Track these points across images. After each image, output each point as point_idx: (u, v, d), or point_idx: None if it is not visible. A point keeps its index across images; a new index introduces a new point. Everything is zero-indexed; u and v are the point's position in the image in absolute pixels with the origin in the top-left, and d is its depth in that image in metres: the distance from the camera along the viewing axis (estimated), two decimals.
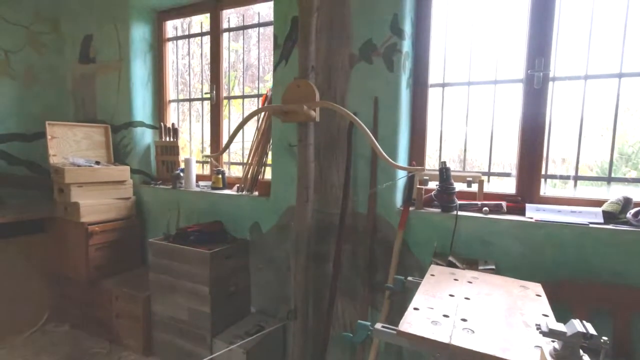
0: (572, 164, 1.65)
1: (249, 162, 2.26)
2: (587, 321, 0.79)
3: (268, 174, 2.29)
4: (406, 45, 1.72)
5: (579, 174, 1.65)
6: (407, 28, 1.71)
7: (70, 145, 2.53)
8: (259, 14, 2.37)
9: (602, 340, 0.75)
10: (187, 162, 2.46)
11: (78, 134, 2.57)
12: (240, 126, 1.76)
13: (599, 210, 1.49)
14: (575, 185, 1.65)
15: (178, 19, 2.71)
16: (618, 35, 1.52)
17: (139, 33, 2.65)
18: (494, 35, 1.74)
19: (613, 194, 1.54)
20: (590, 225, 1.43)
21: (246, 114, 2.56)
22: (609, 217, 1.46)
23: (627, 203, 1.46)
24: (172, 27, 2.77)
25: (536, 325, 0.83)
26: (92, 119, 2.84)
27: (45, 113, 2.82)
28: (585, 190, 1.68)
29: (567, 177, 1.66)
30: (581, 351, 0.77)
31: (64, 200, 2.33)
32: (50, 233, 2.52)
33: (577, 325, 0.78)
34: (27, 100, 2.77)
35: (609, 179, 1.61)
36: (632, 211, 1.42)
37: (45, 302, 2.56)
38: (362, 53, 1.77)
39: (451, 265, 1.54)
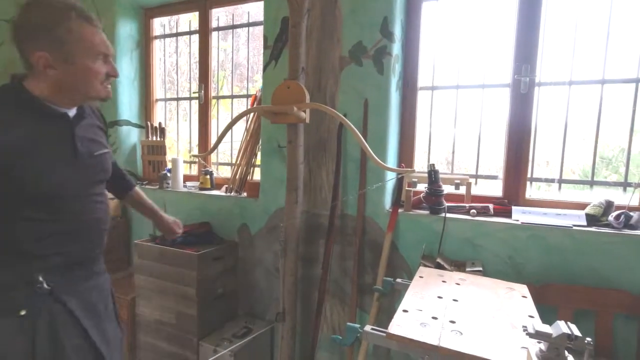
0: (557, 167, 1.68)
1: (238, 162, 2.24)
2: (571, 322, 0.81)
3: (257, 175, 2.27)
4: (396, 48, 1.73)
5: (563, 177, 1.69)
6: (397, 31, 1.73)
7: None
8: (248, 13, 2.35)
9: (586, 342, 0.77)
10: (174, 162, 2.42)
11: None
12: (229, 126, 1.75)
13: (582, 213, 1.52)
14: (559, 188, 1.69)
15: (166, 16, 2.67)
16: (601, 43, 1.56)
17: (126, 30, 2.60)
18: (482, 41, 1.77)
19: (595, 197, 1.59)
20: (574, 228, 1.46)
21: (235, 114, 2.54)
22: (591, 219, 1.50)
23: (608, 206, 1.50)
24: (159, 24, 2.73)
25: (523, 327, 0.84)
26: None
27: None
28: (569, 193, 1.72)
29: (552, 180, 1.70)
30: (566, 352, 0.78)
31: None
32: None
33: (563, 326, 0.79)
34: None
35: (592, 182, 1.65)
36: (614, 214, 1.46)
37: None
38: (352, 55, 1.78)
39: (439, 267, 1.55)
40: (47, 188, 0.94)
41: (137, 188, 1.41)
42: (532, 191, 1.73)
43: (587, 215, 1.51)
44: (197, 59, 2.51)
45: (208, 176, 2.36)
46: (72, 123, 1.00)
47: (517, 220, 1.56)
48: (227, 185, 2.30)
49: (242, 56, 2.72)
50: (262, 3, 2.03)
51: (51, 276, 0.97)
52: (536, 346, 0.82)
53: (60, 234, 0.99)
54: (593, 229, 1.45)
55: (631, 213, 1.45)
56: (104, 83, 1.00)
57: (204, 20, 2.45)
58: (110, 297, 1.19)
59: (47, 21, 0.89)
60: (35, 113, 0.94)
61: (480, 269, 1.53)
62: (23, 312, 0.93)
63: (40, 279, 0.95)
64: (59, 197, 0.97)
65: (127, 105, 2.65)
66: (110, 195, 1.20)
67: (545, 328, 0.80)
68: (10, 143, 0.88)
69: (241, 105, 2.54)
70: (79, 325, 1.01)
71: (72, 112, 1.01)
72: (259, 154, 2.18)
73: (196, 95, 2.52)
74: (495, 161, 1.86)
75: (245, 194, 2.19)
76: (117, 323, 1.20)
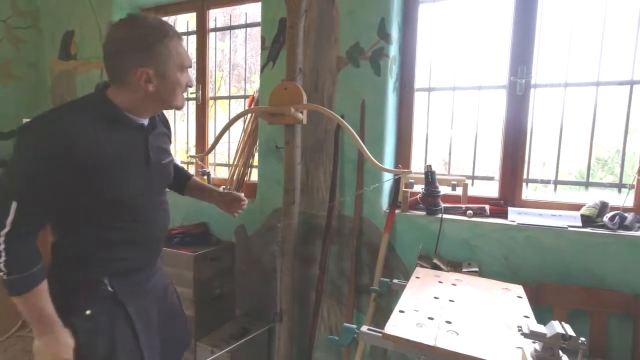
0: (553, 168, 1.70)
1: (235, 163, 2.24)
2: (566, 322, 0.82)
3: (254, 176, 2.27)
4: (393, 50, 1.74)
5: (559, 178, 1.70)
6: (394, 33, 1.73)
7: None
8: (246, 14, 2.35)
9: (580, 342, 0.77)
10: None
11: None
12: (227, 127, 1.75)
13: (578, 214, 1.54)
14: (555, 189, 1.70)
15: (163, 17, 2.66)
16: (596, 46, 1.57)
17: None
18: (479, 42, 1.78)
19: (590, 198, 1.60)
20: (569, 229, 1.47)
21: (232, 114, 2.53)
22: (586, 220, 1.51)
23: (603, 207, 1.51)
24: None
25: (518, 327, 0.85)
26: None
27: (22, 110, 2.73)
28: (565, 194, 1.73)
29: (548, 181, 1.71)
30: (560, 352, 0.79)
31: None
32: None
33: (557, 326, 0.80)
34: (3, 96, 2.67)
35: (587, 184, 1.66)
36: (609, 215, 1.47)
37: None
38: (350, 56, 1.78)
39: (436, 267, 1.56)
40: (123, 197, 0.97)
41: (191, 179, 1.42)
42: (528, 192, 1.74)
43: (582, 216, 1.52)
44: (195, 60, 2.51)
45: (205, 177, 2.36)
46: (146, 133, 1.03)
47: (513, 221, 1.56)
48: (224, 186, 2.29)
49: (239, 57, 2.71)
50: (259, 4, 2.03)
51: (114, 280, 1.01)
52: (531, 346, 0.83)
53: (127, 241, 1.02)
54: (588, 229, 1.46)
55: (626, 214, 1.46)
56: (183, 93, 1.05)
57: (202, 21, 2.45)
58: (168, 294, 1.22)
59: (149, 39, 0.91)
60: (117, 123, 0.96)
61: (477, 269, 1.54)
62: (88, 312, 0.97)
63: (105, 281, 0.99)
64: (132, 205, 1.01)
65: None
66: None
67: (540, 328, 0.81)
68: (96, 153, 0.90)
69: (239, 106, 2.54)
70: (133, 330, 1.03)
71: (145, 122, 1.04)
72: (256, 155, 2.18)
73: (193, 95, 2.52)
74: (491, 162, 1.87)
75: (242, 195, 2.19)
76: (181, 320, 1.25)
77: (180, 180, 1.38)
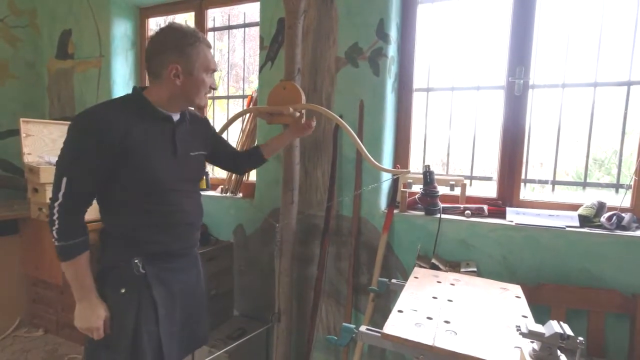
0: (550, 168, 1.70)
1: None
2: (564, 321, 0.82)
3: (253, 176, 2.27)
4: (392, 50, 1.74)
5: (557, 178, 1.70)
6: (393, 33, 1.74)
7: (46, 144, 2.43)
8: (244, 13, 2.35)
9: (578, 341, 0.78)
10: None
11: (54, 132, 2.47)
12: (225, 127, 1.74)
13: (575, 214, 1.54)
14: (553, 189, 1.71)
15: (161, 16, 2.65)
16: (593, 47, 1.58)
17: (121, 29, 2.59)
18: (477, 43, 1.78)
19: (588, 198, 1.60)
20: (567, 229, 1.48)
21: (231, 114, 2.53)
22: (584, 220, 1.51)
23: (601, 207, 1.52)
24: (155, 24, 2.72)
25: (516, 326, 0.85)
26: (69, 116, 2.75)
27: (19, 110, 2.71)
28: (562, 194, 1.74)
29: (546, 182, 1.72)
30: (558, 351, 0.79)
31: (38, 200, 2.24)
32: (24, 234, 2.42)
33: (555, 326, 0.80)
34: (1, 95, 2.65)
35: (584, 184, 1.67)
36: (606, 215, 1.48)
37: (17, 307, 2.46)
38: (348, 56, 1.78)
39: (434, 267, 1.56)
40: (151, 179, 1.08)
41: (260, 145, 1.52)
42: (526, 192, 1.74)
43: (579, 216, 1.52)
44: None
45: (204, 177, 2.35)
46: (174, 125, 1.16)
47: (511, 221, 1.57)
48: (222, 186, 2.29)
49: (238, 57, 2.71)
50: (258, 4, 2.03)
51: (146, 262, 1.11)
52: (529, 346, 0.83)
53: (158, 225, 1.13)
54: (585, 229, 1.47)
55: (623, 214, 1.47)
56: (206, 94, 1.19)
57: (200, 21, 2.44)
58: (198, 289, 1.30)
59: (182, 41, 1.08)
60: (149, 116, 1.11)
61: (475, 269, 1.54)
62: (123, 290, 1.09)
63: (138, 262, 1.09)
64: (161, 189, 1.11)
65: None
66: None
67: (538, 328, 0.81)
68: (125, 137, 1.03)
69: (237, 106, 2.53)
70: (156, 313, 1.11)
71: (175, 117, 1.17)
72: None
73: None
74: (489, 162, 1.88)
75: (240, 195, 2.19)
76: (203, 317, 1.32)
77: (252, 155, 1.50)
